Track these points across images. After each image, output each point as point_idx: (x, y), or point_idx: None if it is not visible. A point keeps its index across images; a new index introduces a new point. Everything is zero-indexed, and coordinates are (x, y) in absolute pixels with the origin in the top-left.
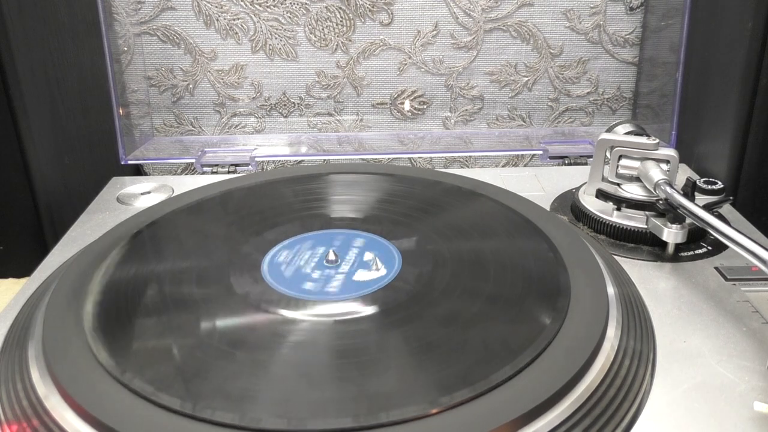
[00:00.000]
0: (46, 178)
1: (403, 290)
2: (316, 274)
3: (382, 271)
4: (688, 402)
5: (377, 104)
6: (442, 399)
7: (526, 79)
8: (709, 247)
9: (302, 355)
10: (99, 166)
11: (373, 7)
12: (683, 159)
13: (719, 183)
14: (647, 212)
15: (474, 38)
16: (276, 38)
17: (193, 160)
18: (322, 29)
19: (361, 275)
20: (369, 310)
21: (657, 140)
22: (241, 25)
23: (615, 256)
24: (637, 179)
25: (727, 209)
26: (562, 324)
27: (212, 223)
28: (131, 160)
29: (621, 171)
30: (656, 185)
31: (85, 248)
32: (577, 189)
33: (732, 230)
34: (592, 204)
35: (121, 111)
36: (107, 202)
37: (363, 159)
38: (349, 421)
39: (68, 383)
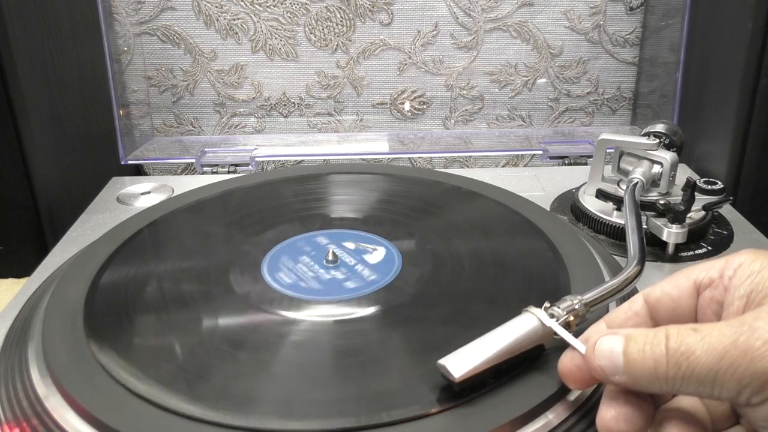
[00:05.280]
0: (46, 178)
1: (403, 290)
2: (315, 275)
3: (382, 271)
4: None
5: (377, 104)
6: (442, 398)
7: (526, 79)
8: (709, 248)
9: (303, 355)
10: (99, 166)
11: (373, 7)
12: (683, 159)
13: (719, 183)
14: (647, 212)
15: (474, 38)
16: (276, 38)
17: (193, 160)
18: (322, 29)
19: (360, 275)
20: (369, 310)
21: (657, 140)
22: (241, 25)
23: (615, 256)
24: None
25: (727, 209)
26: None
27: (212, 224)
28: (131, 160)
29: (623, 166)
30: (629, 180)
31: (85, 248)
32: (577, 189)
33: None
34: (592, 204)
35: (121, 111)
36: (107, 202)
37: (363, 159)
38: (350, 420)
39: (68, 383)
